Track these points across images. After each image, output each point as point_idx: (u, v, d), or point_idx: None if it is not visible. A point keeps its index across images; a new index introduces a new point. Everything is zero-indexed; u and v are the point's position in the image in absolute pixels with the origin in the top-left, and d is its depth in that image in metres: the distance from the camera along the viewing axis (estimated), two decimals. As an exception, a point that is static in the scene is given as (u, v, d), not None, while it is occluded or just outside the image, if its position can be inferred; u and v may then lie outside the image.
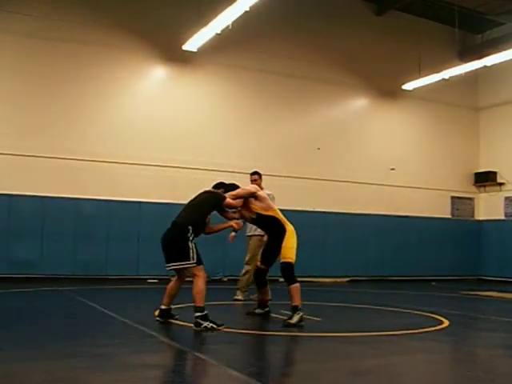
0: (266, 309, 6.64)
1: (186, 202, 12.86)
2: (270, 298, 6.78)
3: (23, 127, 11.59)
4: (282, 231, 6.17)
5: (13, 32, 11.59)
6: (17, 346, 4.49)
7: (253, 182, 8.33)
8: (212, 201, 6.12)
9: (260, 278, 6.51)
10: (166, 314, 5.91)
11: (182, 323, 5.87)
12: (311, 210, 14.03)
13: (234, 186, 6.35)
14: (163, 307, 5.90)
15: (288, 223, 6.28)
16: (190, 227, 5.85)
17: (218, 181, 6.60)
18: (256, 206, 6.25)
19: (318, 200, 14.18)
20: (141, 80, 12.85)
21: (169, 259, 5.87)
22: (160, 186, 12.50)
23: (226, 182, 6.51)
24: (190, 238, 5.78)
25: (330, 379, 3.86)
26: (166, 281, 12.18)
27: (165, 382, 3.65)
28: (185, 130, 12.97)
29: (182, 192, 12.40)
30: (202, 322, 5.45)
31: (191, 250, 5.68)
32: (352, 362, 4.37)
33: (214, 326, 5.47)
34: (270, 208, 6.24)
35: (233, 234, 6.50)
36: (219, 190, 6.30)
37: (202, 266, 5.69)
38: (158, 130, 12.71)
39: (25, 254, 11.29)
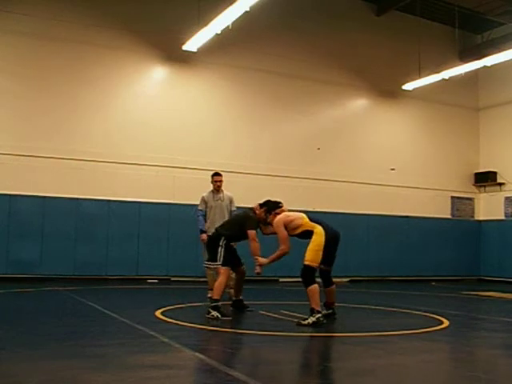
0: (330, 310, 6.59)
1: (185, 202, 12.91)
2: (334, 300, 6.69)
3: (23, 127, 11.59)
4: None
5: (13, 32, 11.59)
6: (17, 346, 4.48)
7: (216, 182, 8.44)
8: (245, 226, 6.74)
9: (323, 278, 6.64)
10: (240, 304, 7.08)
11: (181, 323, 5.88)
12: (311, 209, 14.01)
13: (276, 204, 6.68)
14: (234, 298, 7.17)
15: (316, 226, 6.24)
16: (222, 237, 6.75)
17: (267, 199, 6.88)
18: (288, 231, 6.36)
19: (318, 200, 14.16)
20: (141, 80, 12.85)
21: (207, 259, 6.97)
22: (160, 186, 12.50)
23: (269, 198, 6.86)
24: (221, 244, 6.71)
25: (332, 379, 3.86)
26: (165, 281, 12.23)
27: (164, 383, 3.64)
28: (185, 129, 12.97)
29: (182, 192, 12.50)
30: (211, 310, 6.34)
31: (219, 254, 6.67)
32: (352, 361, 4.37)
33: (219, 315, 6.26)
34: (298, 227, 6.28)
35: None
36: (262, 209, 6.72)
37: (226, 268, 6.65)
38: (158, 129, 12.71)
39: (25, 254, 11.29)
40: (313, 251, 6.05)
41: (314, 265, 6.04)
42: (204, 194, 8.53)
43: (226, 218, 8.07)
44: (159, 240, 12.37)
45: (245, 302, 7.16)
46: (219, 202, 8.37)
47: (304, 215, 6.37)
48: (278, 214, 6.45)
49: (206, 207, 8.39)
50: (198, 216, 8.42)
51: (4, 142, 11.29)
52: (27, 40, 11.71)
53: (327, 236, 6.15)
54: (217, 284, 6.53)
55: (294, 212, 6.54)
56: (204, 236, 8.30)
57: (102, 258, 11.89)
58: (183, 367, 4.06)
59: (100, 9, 12.37)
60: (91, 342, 4.79)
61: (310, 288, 5.97)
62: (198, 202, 8.63)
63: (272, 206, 6.65)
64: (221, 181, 8.46)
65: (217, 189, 8.44)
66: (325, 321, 5.96)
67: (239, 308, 7.10)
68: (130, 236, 12.17)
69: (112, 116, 12.43)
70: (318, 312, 5.88)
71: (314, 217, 6.42)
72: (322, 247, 6.07)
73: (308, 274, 6.02)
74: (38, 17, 11.77)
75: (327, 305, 6.62)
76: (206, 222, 8.37)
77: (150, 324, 5.71)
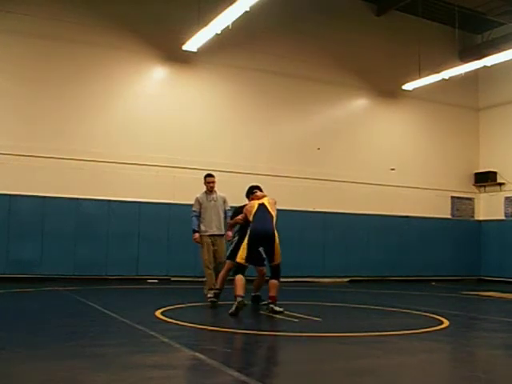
0: (264, 302, 7.14)
1: (185, 202, 12.95)
2: (273, 294, 6.92)
3: (23, 127, 11.59)
4: None
5: (14, 32, 11.58)
6: (17, 346, 4.48)
7: (209, 184, 8.60)
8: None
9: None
10: (256, 299, 7.63)
11: (181, 323, 5.88)
12: (311, 209, 14.03)
13: (250, 190, 7.66)
14: (253, 294, 7.71)
15: (252, 222, 7.02)
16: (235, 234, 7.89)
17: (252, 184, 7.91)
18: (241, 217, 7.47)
19: (318, 200, 14.17)
20: (141, 80, 12.85)
21: None
22: (160, 186, 12.50)
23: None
24: (232, 240, 7.83)
25: (330, 379, 3.86)
26: (165, 281, 12.23)
27: (164, 383, 3.64)
28: (185, 129, 12.97)
29: (182, 192, 12.48)
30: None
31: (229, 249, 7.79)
32: (352, 362, 4.37)
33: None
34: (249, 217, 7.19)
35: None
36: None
37: (228, 261, 7.52)
38: (158, 130, 12.71)
39: (25, 254, 11.29)
40: (241, 249, 6.95)
41: (240, 261, 6.82)
42: (198, 195, 8.67)
43: (222, 218, 8.47)
44: (159, 240, 12.37)
45: (246, 302, 7.29)
46: (213, 202, 8.53)
47: (254, 209, 7.02)
48: (253, 199, 7.33)
49: (201, 208, 8.53)
50: (192, 217, 8.57)
51: (4, 142, 11.29)
52: (27, 40, 11.71)
53: (251, 234, 6.85)
54: (220, 274, 7.67)
55: (256, 202, 7.19)
56: (197, 235, 8.49)
57: (101, 258, 11.89)
58: (183, 367, 4.07)
59: (100, 9, 12.36)
60: (91, 342, 4.79)
61: (235, 277, 6.82)
62: (197, 202, 8.83)
63: (247, 192, 7.63)
64: (213, 182, 8.60)
65: (210, 190, 8.59)
66: (245, 302, 6.68)
67: (256, 302, 7.73)
68: (130, 236, 12.17)
69: (112, 116, 12.43)
70: (235, 297, 6.57)
71: (258, 213, 7.00)
72: (245, 245, 6.86)
73: (236, 268, 6.96)
74: (39, 17, 11.76)
75: (269, 297, 6.87)
76: (200, 222, 8.49)
77: (150, 324, 5.72)
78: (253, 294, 7.74)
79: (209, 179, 8.62)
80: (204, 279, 8.48)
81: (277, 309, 6.69)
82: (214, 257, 8.39)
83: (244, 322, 6.49)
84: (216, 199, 8.54)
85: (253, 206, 7.07)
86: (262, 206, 7.02)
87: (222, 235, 8.48)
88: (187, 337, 5.28)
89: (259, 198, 7.22)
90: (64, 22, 11.91)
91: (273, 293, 6.77)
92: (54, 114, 11.85)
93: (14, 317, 6.33)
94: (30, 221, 11.46)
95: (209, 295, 7.73)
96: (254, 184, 7.81)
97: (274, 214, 6.99)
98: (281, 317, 6.49)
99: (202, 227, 8.41)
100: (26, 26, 11.65)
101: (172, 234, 12.42)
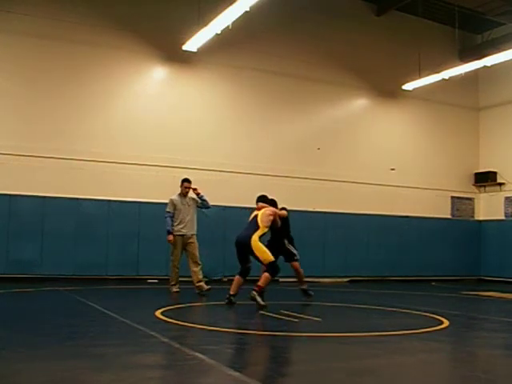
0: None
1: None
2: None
3: (23, 127, 11.59)
4: None
5: (13, 32, 11.57)
6: (17, 346, 4.48)
7: (186, 188, 9.23)
8: None
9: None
10: (304, 292, 8.47)
11: (181, 323, 5.88)
12: (311, 209, 14.03)
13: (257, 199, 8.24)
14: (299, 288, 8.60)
15: None
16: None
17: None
18: None
19: (318, 200, 14.17)
20: (140, 80, 12.85)
21: None
22: (160, 186, 12.48)
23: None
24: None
25: (330, 379, 3.86)
26: (165, 281, 12.24)
27: (164, 383, 3.64)
28: (185, 129, 12.97)
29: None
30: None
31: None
32: (352, 362, 4.37)
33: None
34: None
35: None
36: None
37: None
38: (158, 130, 12.71)
39: (25, 254, 11.29)
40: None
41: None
42: (173, 197, 9.26)
43: (195, 218, 9.13)
44: (159, 240, 12.33)
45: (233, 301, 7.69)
46: (186, 205, 9.16)
47: (250, 219, 7.74)
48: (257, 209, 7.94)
49: (175, 209, 9.09)
50: (166, 217, 9.10)
51: (4, 142, 11.28)
52: (27, 40, 11.70)
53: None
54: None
55: (255, 213, 7.82)
56: (171, 237, 9.04)
57: (102, 258, 11.89)
58: (183, 367, 4.06)
59: (100, 9, 12.36)
60: (91, 342, 4.79)
61: None
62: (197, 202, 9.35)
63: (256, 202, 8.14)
64: (190, 187, 9.22)
65: (185, 194, 9.22)
66: (232, 300, 7.49)
67: (304, 295, 8.47)
68: (130, 236, 12.16)
69: (112, 116, 12.43)
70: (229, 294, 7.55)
71: (248, 223, 7.68)
72: None
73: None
74: (39, 17, 11.76)
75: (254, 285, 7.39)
76: (174, 223, 9.05)
77: (150, 324, 5.71)
78: (299, 288, 8.57)
79: (186, 184, 9.24)
80: (191, 279, 9.13)
81: (257, 298, 7.07)
82: (189, 258, 9.14)
83: (244, 322, 6.49)
84: (189, 202, 9.20)
85: (251, 216, 7.86)
86: (255, 217, 7.69)
87: (195, 234, 9.12)
88: (187, 337, 5.28)
89: (259, 209, 7.85)
90: (64, 21, 11.91)
91: (260, 282, 7.22)
92: (54, 114, 11.84)
93: (13, 317, 6.33)
94: (29, 221, 11.46)
95: (174, 290, 9.11)
96: (261, 194, 8.24)
97: (261, 224, 7.53)
98: (281, 317, 6.49)
99: (175, 227, 9.00)
100: (26, 26, 11.65)
101: (172, 234, 12.41)
